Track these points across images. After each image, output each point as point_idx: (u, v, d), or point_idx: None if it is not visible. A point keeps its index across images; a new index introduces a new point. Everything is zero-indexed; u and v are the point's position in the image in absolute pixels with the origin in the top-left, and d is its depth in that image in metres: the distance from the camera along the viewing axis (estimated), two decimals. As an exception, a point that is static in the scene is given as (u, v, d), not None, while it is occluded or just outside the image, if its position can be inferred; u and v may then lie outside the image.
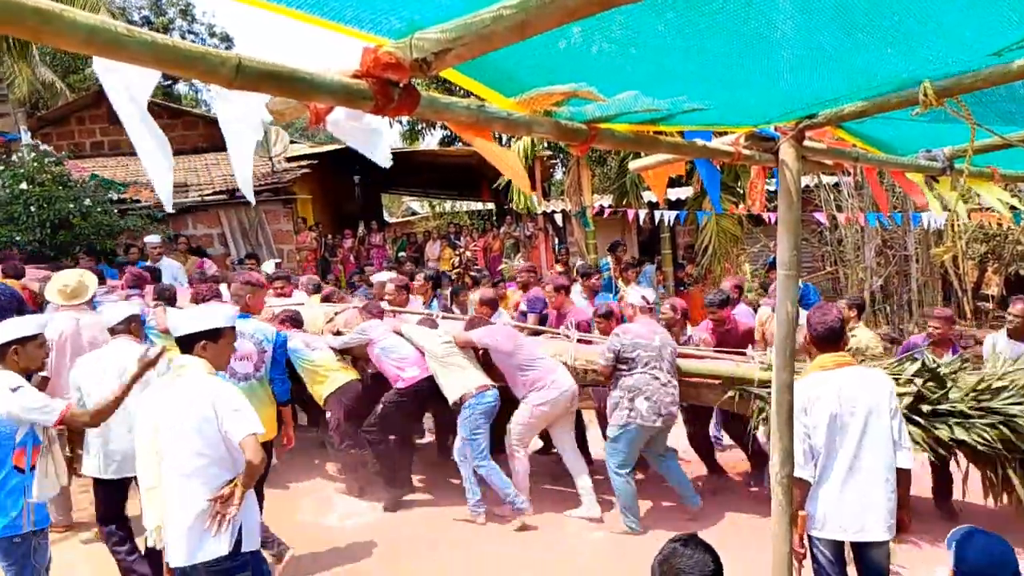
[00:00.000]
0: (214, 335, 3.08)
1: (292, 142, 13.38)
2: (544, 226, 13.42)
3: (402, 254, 14.78)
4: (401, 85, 1.44)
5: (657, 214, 10.04)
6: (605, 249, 10.42)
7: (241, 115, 1.47)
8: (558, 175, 16.40)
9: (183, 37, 23.57)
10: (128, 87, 1.78)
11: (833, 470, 3.15)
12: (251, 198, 1.66)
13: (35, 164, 8.66)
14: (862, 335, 5.82)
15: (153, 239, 8.55)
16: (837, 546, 3.22)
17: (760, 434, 4.95)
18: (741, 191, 9.53)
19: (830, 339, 3.25)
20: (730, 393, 4.95)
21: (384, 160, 2.21)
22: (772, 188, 3.29)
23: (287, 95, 1.32)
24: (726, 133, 2.65)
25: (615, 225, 12.70)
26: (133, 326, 4.19)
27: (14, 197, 8.46)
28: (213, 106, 1.53)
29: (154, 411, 3.00)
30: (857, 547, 3.21)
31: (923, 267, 11.30)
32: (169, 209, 2.12)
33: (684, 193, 11.77)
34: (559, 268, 10.57)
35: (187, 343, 3.07)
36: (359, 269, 11.91)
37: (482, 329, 5.42)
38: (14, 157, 9.16)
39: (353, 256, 13.78)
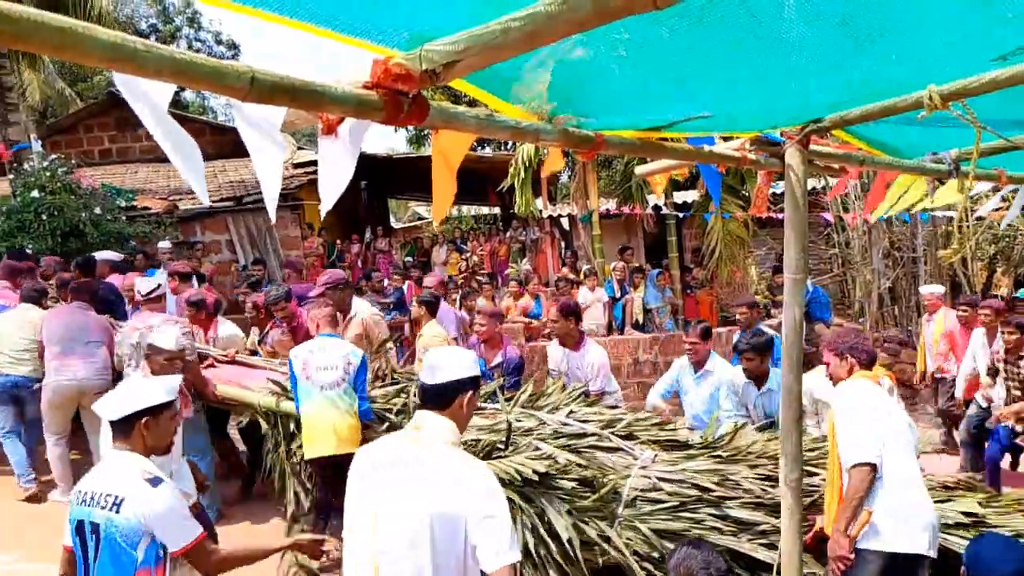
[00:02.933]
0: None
1: (299, 148, 13.45)
2: (550, 230, 13.44)
3: (409, 259, 14.81)
4: (411, 95, 1.46)
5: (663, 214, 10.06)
6: (612, 253, 10.44)
7: (262, 129, 1.50)
8: (563, 178, 16.44)
9: (190, 45, 23.77)
10: (146, 94, 1.81)
11: (897, 481, 3.00)
12: (272, 216, 1.67)
13: (46, 172, 8.73)
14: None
15: (164, 244, 8.58)
16: (888, 559, 2.94)
17: None
18: (746, 194, 9.54)
19: (872, 360, 3.49)
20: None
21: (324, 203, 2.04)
22: (778, 191, 3.31)
23: (300, 107, 1.35)
24: (731, 137, 2.67)
25: (621, 229, 12.72)
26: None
27: (25, 205, 8.52)
28: (234, 118, 1.55)
29: None
30: (910, 560, 2.94)
31: (931, 269, 11.28)
32: (206, 202, 2.11)
33: (690, 196, 11.78)
34: (566, 271, 10.59)
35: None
36: (366, 275, 11.96)
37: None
38: (25, 165, 9.24)
39: (360, 261, 13.83)
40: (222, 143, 13.41)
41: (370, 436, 4.19)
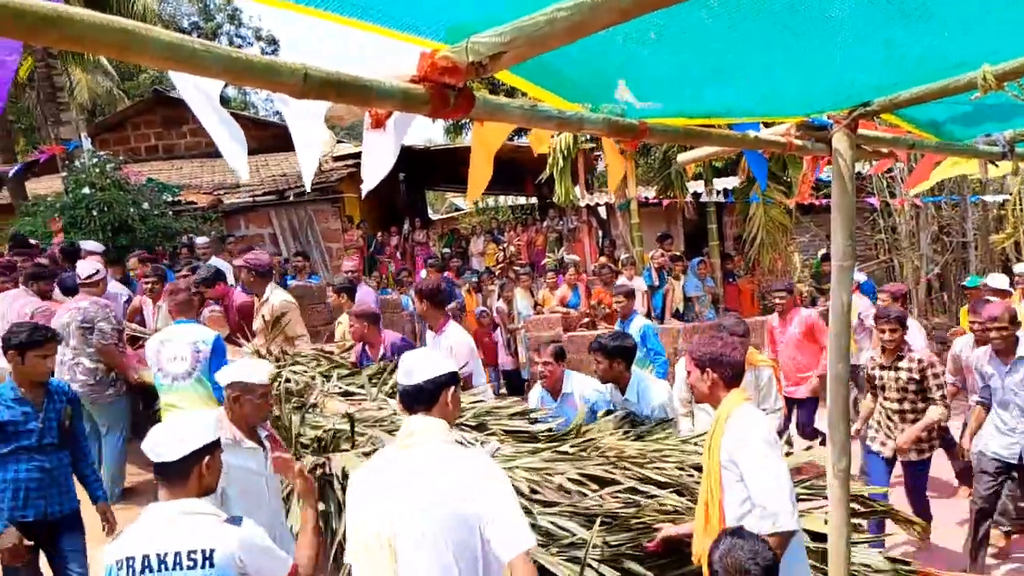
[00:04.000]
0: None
1: (338, 142, 13.61)
2: (588, 219, 13.37)
3: (447, 250, 14.91)
4: (457, 88, 1.48)
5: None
6: (651, 241, 10.35)
7: (306, 120, 1.55)
8: (601, 167, 16.33)
9: (231, 42, 24.17)
10: (196, 85, 1.89)
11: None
12: (308, 186, 1.77)
13: (96, 169, 9.00)
14: None
15: (201, 240, 8.79)
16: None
17: None
18: (788, 180, 9.37)
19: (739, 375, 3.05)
20: None
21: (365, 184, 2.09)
22: (823, 176, 3.24)
23: (350, 102, 1.37)
24: (776, 123, 2.63)
25: (660, 217, 12.60)
26: None
27: (77, 202, 8.80)
28: (282, 111, 1.61)
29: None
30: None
31: (982, 254, 10.94)
32: (244, 177, 2.13)
33: (731, 183, 11.61)
34: (604, 260, 10.54)
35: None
36: (405, 267, 12.08)
37: None
38: (76, 163, 9.54)
39: (400, 253, 13.97)
40: (264, 138, 13.66)
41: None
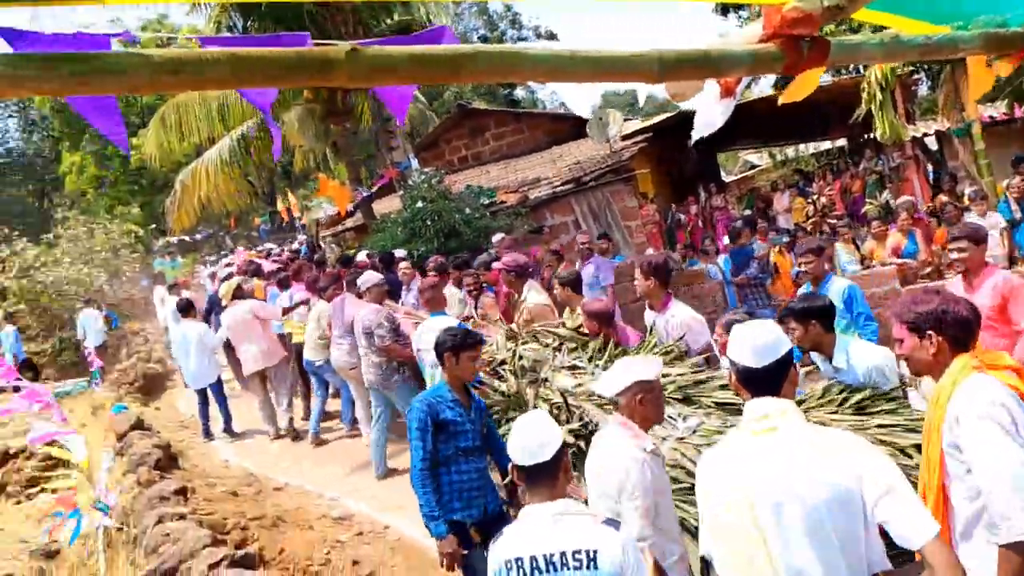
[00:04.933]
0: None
1: (625, 119, 13.76)
2: (914, 153, 11.72)
3: (748, 211, 14.20)
4: (810, 39, 1.39)
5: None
6: (1004, 167, 8.71)
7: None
8: (923, 91, 14.21)
9: (514, 43, 25.84)
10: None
11: None
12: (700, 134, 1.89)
13: (425, 185, 10.30)
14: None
15: (497, 237, 9.41)
16: None
17: None
18: None
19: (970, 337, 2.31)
20: None
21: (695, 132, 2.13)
22: None
23: (704, 76, 1.37)
24: None
25: (1014, 136, 10.54)
26: None
27: (414, 215, 10.17)
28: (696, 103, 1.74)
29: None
30: None
31: None
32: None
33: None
34: (943, 199, 9.15)
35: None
36: (707, 235, 11.79)
37: None
38: (409, 182, 11.02)
39: (701, 222, 13.68)
40: (558, 130, 14.34)
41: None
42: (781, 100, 2.08)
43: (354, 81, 1.00)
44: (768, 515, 1.97)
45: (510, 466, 2.37)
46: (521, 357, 4.61)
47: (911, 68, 9.68)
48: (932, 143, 12.89)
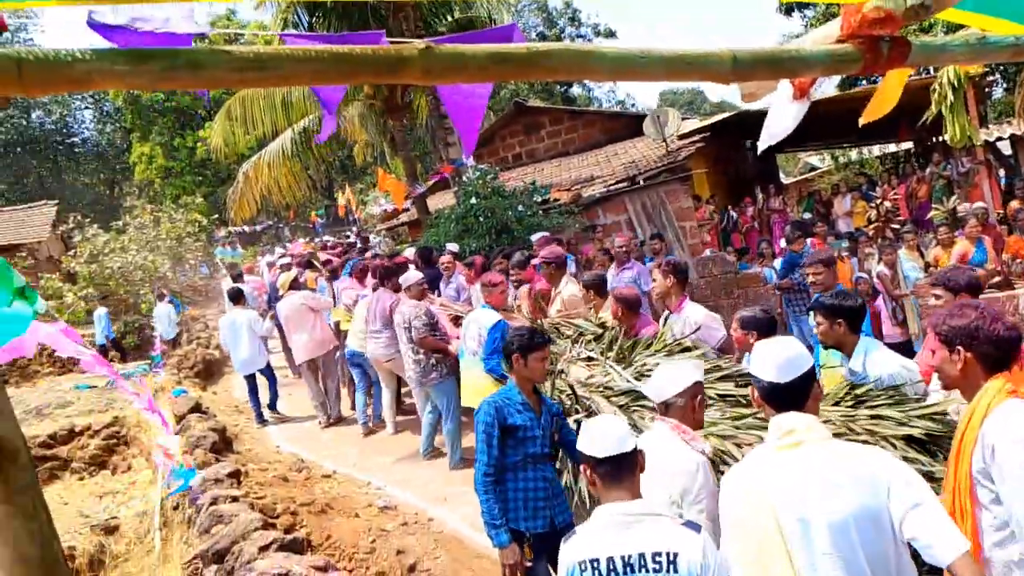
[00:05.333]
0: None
1: (683, 119, 13.56)
2: (985, 157, 11.23)
3: (808, 215, 13.83)
4: (889, 39, 1.35)
5: None
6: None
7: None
8: (997, 94, 13.62)
9: (572, 41, 25.75)
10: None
11: None
12: (764, 147, 1.84)
13: (479, 181, 10.36)
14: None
15: (536, 236, 9.35)
16: None
17: None
18: None
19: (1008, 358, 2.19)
20: None
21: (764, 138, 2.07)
22: None
23: (779, 76, 1.35)
24: None
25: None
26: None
27: (467, 211, 10.23)
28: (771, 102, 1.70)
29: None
30: None
31: None
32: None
33: None
34: (1016, 205, 8.77)
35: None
36: (765, 238, 11.54)
37: None
38: (464, 178, 11.09)
39: (757, 224, 13.40)
40: (614, 128, 14.22)
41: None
42: (863, 120, 2.03)
43: (427, 78, 1.01)
44: (794, 530, 1.93)
45: (583, 467, 2.27)
46: None
47: (985, 69, 9.27)
48: (1006, 148, 12.34)
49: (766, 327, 3.86)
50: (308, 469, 6.92)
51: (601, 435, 2.20)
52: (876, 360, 3.39)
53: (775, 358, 2.10)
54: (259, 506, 5.33)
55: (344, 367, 8.46)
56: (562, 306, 5.79)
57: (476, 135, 1.67)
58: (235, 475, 5.96)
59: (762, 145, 1.90)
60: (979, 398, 2.13)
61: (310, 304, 8.28)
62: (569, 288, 5.96)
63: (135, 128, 29.41)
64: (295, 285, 8.59)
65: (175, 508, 6.31)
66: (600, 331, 4.84)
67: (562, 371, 4.36)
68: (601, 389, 3.98)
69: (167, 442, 5.80)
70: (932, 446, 2.84)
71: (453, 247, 9.09)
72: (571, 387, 3.97)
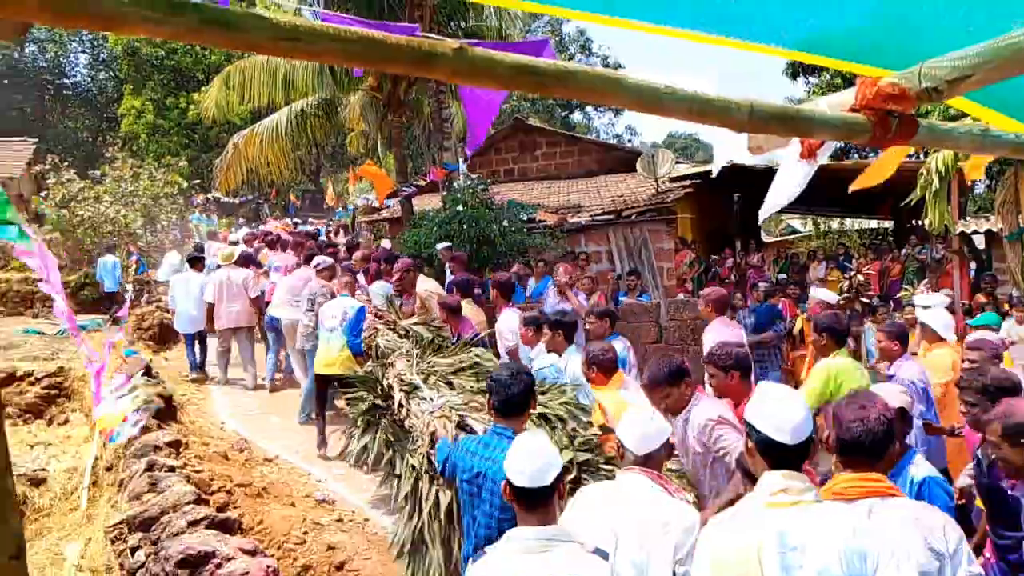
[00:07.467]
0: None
1: (677, 162, 13.74)
2: (959, 248, 11.55)
3: (783, 275, 14.07)
4: (899, 115, 1.38)
5: None
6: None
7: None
8: (980, 189, 14.04)
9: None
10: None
11: None
12: (766, 216, 1.83)
13: (469, 190, 10.36)
14: None
15: (441, 245, 9.54)
16: None
17: None
18: None
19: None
20: None
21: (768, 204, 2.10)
22: None
23: (791, 134, 1.37)
24: None
25: (1064, 250, 10.33)
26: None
27: (452, 216, 10.22)
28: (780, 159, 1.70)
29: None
30: None
31: None
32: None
33: None
34: (982, 299, 9.02)
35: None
36: (736, 291, 11.69)
37: None
38: (454, 184, 11.08)
39: (734, 276, 13.59)
40: (608, 160, 14.33)
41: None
42: (852, 187, 2.08)
43: (456, 77, 1.01)
44: None
45: (503, 483, 2.27)
46: (379, 345, 5.82)
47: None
48: (980, 242, 12.71)
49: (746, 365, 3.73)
50: (250, 450, 6.79)
51: (525, 466, 2.19)
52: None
53: (791, 420, 2.07)
54: (195, 480, 5.20)
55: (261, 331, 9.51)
56: (419, 301, 6.96)
57: (486, 129, 1.68)
58: (175, 444, 5.81)
59: (766, 210, 1.91)
60: None
61: (247, 287, 9.16)
62: (421, 283, 7.23)
63: (129, 80, 28.93)
64: (247, 259, 9.61)
65: (108, 469, 6.13)
66: (431, 335, 5.80)
67: (392, 363, 5.46)
68: (399, 380, 5.10)
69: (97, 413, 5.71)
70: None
71: (443, 246, 9.50)
72: (398, 376, 5.08)
